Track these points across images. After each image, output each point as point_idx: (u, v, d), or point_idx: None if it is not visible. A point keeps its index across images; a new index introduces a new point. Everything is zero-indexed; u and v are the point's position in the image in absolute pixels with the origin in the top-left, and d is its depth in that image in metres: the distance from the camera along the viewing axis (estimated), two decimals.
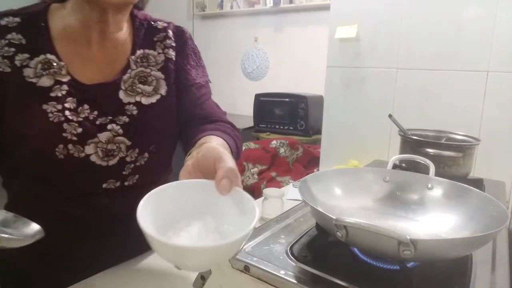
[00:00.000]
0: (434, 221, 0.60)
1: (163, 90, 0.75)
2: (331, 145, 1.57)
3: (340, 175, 0.68)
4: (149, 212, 0.43)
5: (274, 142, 2.32)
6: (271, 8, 3.27)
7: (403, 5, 1.31)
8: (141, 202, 0.43)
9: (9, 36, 0.66)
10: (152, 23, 0.80)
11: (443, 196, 0.62)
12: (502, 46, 1.16)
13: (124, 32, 0.75)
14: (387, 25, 1.35)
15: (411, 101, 1.34)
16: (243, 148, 2.31)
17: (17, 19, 0.67)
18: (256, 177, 2.12)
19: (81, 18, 0.69)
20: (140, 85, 0.73)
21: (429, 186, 0.64)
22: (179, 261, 0.41)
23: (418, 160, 0.73)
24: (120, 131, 0.69)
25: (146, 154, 0.72)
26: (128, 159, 0.70)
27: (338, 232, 0.45)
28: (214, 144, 0.58)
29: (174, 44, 0.79)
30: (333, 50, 1.49)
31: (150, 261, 0.76)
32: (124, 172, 0.71)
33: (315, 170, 2.01)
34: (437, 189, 0.64)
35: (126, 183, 0.72)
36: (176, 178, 0.53)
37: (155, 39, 0.78)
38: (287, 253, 0.52)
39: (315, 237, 0.58)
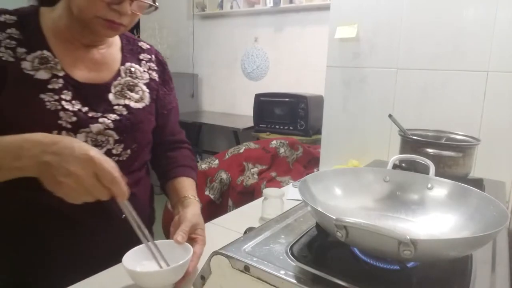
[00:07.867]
0: (434, 221, 0.60)
1: (146, 100, 0.85)
2: (331, 145, 1.57)
3: (340, 175, 0.68)
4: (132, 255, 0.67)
5: (274, 142, 2.32)
6: (271, 8, 3.27)
7: (403, 5, 1.31)
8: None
9: (9, 30, 0.71)
10: (137, 42, 0.91)
11: (443, 196, 0.62)
12: (502, 46, 1.16)
13: (113, 45, 0.84)
14: (387, 25, 1.35)
15: (411, 101, 1.33)
16: (243, 148, 2.31)
17: (14, 17, 0.73)
18: (256, 177, 2.12)
19: (71, 30, 0.75)
20: (129, 92, 0.82)
21: (429, 186, 0.64)
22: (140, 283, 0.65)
23: (418, 160, 0.73)
24: (111, 125, 0.76)
25: (129, 151, 0.80)
26: (114, 151, 0.77)
27: (338, 232, 0.45)
28: (188, 211, 0.79)
29: (156, 68, 0.91)
30: (333, 50, 1.49)
31: None
32: None
33: (315, 170, 2.01)
34: (437, 189, 0.64)
35: None
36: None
37: (140, 57, 0.89)
38: (287, 253, 0.52)
39: (315, 237, 0.58)
